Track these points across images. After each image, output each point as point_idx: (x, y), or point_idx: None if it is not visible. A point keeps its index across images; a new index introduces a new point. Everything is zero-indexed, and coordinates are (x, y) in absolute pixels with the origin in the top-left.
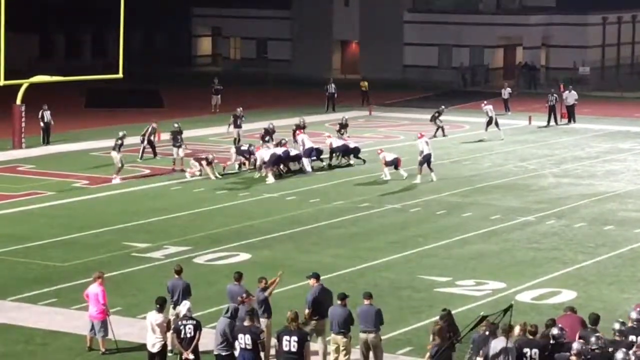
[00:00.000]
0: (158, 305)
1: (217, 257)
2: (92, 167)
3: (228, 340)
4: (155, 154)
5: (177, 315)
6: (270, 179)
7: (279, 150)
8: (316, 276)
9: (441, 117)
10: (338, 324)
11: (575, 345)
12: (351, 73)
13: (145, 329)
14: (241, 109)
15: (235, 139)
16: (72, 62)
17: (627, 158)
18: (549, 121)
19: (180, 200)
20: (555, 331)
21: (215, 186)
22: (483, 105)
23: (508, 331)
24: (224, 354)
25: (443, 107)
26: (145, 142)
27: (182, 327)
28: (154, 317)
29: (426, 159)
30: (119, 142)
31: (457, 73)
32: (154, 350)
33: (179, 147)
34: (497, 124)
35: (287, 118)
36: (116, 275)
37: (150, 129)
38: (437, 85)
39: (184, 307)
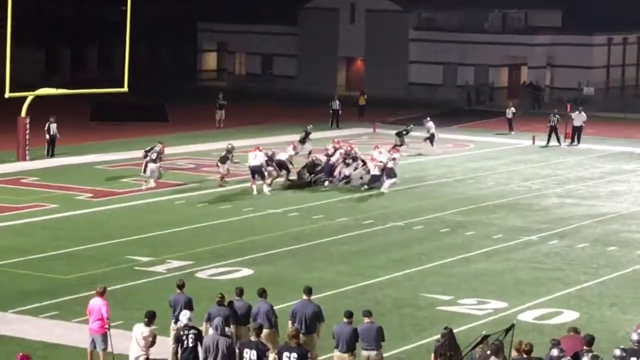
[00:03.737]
0: (146, 319)
1: (220, 272)
2: (96, 180)
3: (222, 354)
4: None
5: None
6: (266, 189)
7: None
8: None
9: (407, 136)
10: (346, 343)
11: None
12: (356, 90)
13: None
14: (311, 126)
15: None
16: (77, 76)
17: (631, 179)
18: (548, 141)
19: (183, 214)
20: (554, 352)
21: (218, 201)
22: (425, 121)
23: (497, 351)
24: None
25: (412, 125)
26: (149, 157)
27: (184, 337)
28: (141, 330)
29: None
30: (155, 154)
31: (462, 91)
32: None
33: (225, 162)
34: (432, 140)
35: (290, 134)
36: (118, 289)
37: (155, 148)
38: (441, 103)
39: (184, 316)
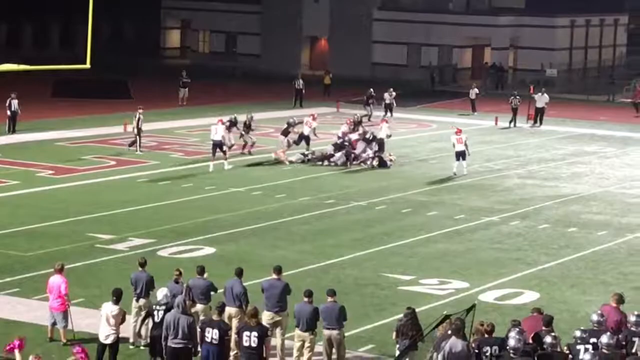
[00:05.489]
0: (114, 297)
1: (182, 251)
2: (57, 157)
3: (182, 333)
4: (132, 144)
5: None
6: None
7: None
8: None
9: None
10: (306, 322)
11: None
12: (320, 69)
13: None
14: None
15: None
16: (39, 52)
17: (592, 161)
18: (512, 122)
19: (145, 192)
20: (512, 334)
21: (180, 179)
22: (389, 93)
23: (458, 331)
24: (174, 346)
25: (372, 90)
26: (135, 131)
27: (155, 312)
28: (110, 309)
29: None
30: (230, 123)
31: (426, 72)
32: (107, 341)
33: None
34: (388, 109)
35: (254, 112)
36: (79, 266)
37: (138, 117)
38: (405, 83)
39: (160, 293)
